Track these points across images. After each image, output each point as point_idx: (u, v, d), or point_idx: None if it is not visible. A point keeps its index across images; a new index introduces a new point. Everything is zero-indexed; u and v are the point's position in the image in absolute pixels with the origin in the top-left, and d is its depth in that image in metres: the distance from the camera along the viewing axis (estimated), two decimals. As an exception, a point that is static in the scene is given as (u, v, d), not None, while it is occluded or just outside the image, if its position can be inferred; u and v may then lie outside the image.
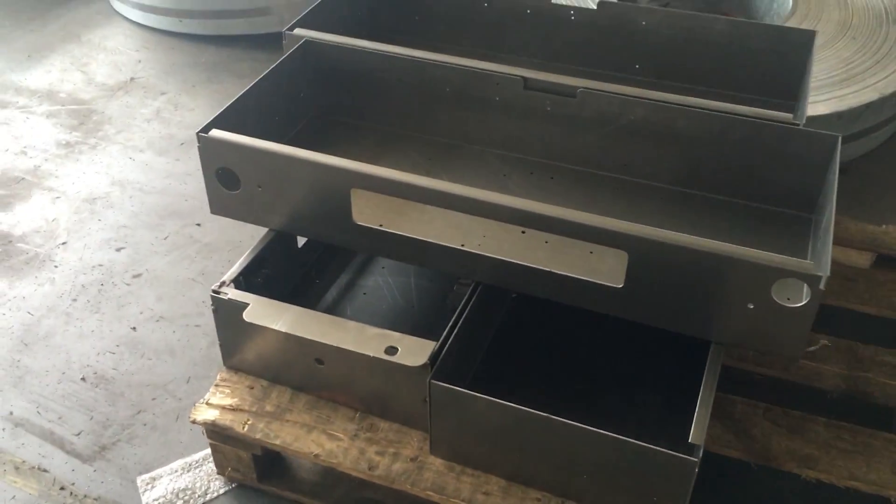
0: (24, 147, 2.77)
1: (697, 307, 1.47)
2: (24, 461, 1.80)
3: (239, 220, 1.77)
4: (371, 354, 1.51)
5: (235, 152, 1.66)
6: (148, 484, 1.75)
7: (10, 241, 2.39)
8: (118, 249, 2.34)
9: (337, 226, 1.67)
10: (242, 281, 1.70)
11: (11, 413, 1.90)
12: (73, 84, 3.11)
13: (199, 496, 1.73)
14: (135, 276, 2.25)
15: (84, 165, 2.68)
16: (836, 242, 2.06)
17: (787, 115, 1.74)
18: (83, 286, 2.23)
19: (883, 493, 1.54)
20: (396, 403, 1.61)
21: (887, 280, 1.97)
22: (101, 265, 2.29)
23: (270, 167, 1.65)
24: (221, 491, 1.74)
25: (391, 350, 1.52)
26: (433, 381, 1.48)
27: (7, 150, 2.76)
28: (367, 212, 1.73)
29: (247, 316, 1.60)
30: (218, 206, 1.78)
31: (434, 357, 1.51)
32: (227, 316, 1.66)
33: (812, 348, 1.81)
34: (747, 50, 2.08)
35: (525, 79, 1.88)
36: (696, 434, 1.38)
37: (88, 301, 2.18)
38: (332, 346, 1.54)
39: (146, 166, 2.66)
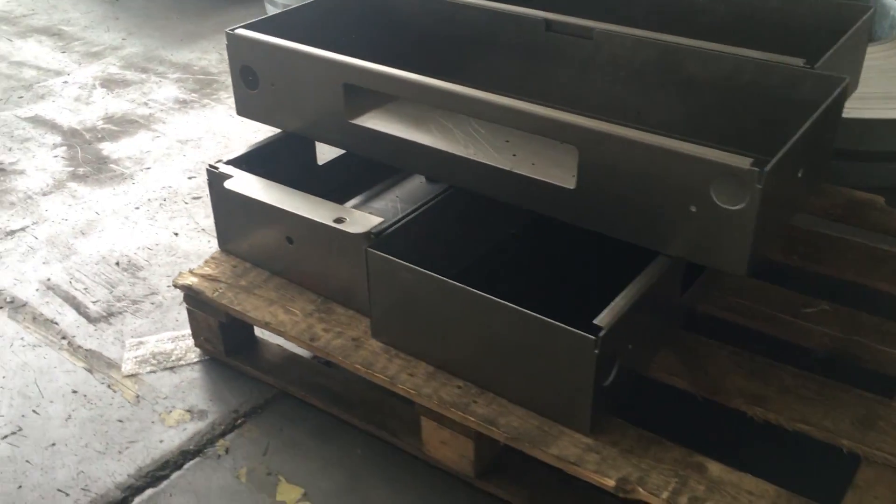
0: (148, 101, 3.11)
1: (644, 211, 1.43)
2: (42, 314, 1.99)
3: (258, 121, 1.92)
4: (319, 221, 1.58)
5: (254, 49, 1.81)
6: (134, 346, 1.88)
7: (107, 162, 2.68)
8: (190, 178, 2.56)
9: (333, 125, 1.77)
10: (243, 166, 1.83)
11: (49, 279, 2.11)
12: (207, 61, 3.47)
13: (172, 360, 1.83)
14: (194, 198, 2.45)
15: (189, 118, 2.97)
16: (871, 227, 1.91)
17: (798, 60, 1.67)
18: (149, 199, 2.46)
19: (834, 441, 1.38)
20: (349, 285, 1.65)
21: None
22: (170, 186, 2.52)
23: (280, 63, 1.78)
24: (195, 360, 1.83)
25: (339, 220, 1.58)
26: (369, 248, 1.52)
27: (133, 101, 3.11)
28: (359, 112, 1.81)
29: (227, 184, 1.72)
30: (242, 107, 1.93)
31: (379, 231, 1.55)
32: (217, 190, 1.79)
33: (809, 310, 1.67)
34: (801, 25, 2.01)
35: (547, 20, 1.93)
36: (602, 317, 1.33)
37: (148, 210, 2.40)
38: (289, 212, 1.62)
39: (241, 123, 2.91)
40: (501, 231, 1.88)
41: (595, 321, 1.32)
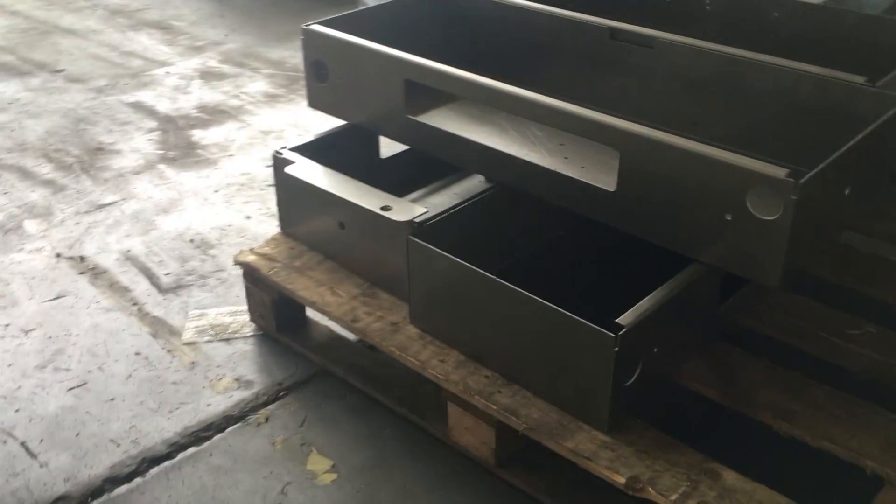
0: (240, 93, 3.28)
1: (680, 217, 1.44)
2: (118, 282, 2.13)
3: (326, 112, 2.01)
4: (367, 207, 1.65)
5: (325, 44, 1.91)
6: (196, 316, 2.00)
7: (194, 148, 2.84)
8: (267, 166, 2.68)
9: (393, 119, 1.85)
10: (307, 154, 1.92)
11: (129, 251, 2.26)
12: (298, 59, 3.60)
13: (229, 332, 1.94)
14: (269, 185, 2.57)
15: (276, 111, 3.11)
16: (934, 253, 1.86)
17: (859, 77, 1.65)
18: (227, 184, 2.59)
19: (859, 462, 1.36)
20: (393, 273, 1.71)
21: None
22: (249, 173, 2.65)
23: (348, 58, 1.87)
24: (249, 334, 1.94)
25: (386, 207, 1.65)
26: (410, 236, 1.58)
27: (226, 93, 3.28)
28: (418, 108, 1.87)
29: (288, 169, 1.81)
30: (313, 99, 2.03)
31: (422, 221, 1.61)
32: (280, 175, 1.88)
33: (853, 332, 1.64)
34: (875, 43, 1.98)
35: (612, 29, 1.95)
36: (625, 317, 1.35)
37: (226, 194, 2.54)
38: (341, 198, 1.70)
39: (321, 117, 3.02)
40: (551, 231, 1.91)
41: (617, 320, 1.35)
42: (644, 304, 1.39)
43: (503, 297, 1.46)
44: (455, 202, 2.08)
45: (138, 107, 3.17)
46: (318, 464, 1.59)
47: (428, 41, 2.23)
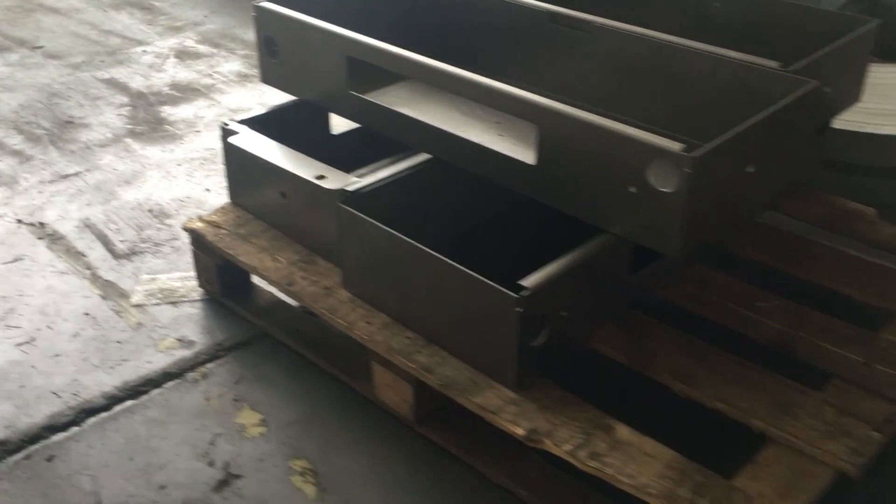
0: (213, 73, 3.35)
1: (592, 190, 1.52)
2: (75, 247, 2.21)
3: (277, 88, 2.09)
4: (303, 176, 1.73)
5: (275, 20, 1.99)
6: (147, 281, 2.08)
7: (162, 123, 2.92)
8: (232, 142, 2.76)
9: (336, 94, 1.92)
10: (256, 127, 1.99)
11: (88, 218, 2.34)
12: (275, 41, 3.69)
13: (176, 296, 2.02)
14: (232, 161, 2.65)
15: (246, 91, 3.19)
16: (853, 236, 1.94)
17: (774, 63, 1.73)
18: (191, 159, 2.67)
19: (747, 421, 1.44)
20: (330, 240, 1.79)
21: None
22: (213, 149, 2.73)
23: (296, 34, 1.95)
24: (196, 298, 2.02)
25: (320, 177, 1.73)
26: (340, 204, 1.66)
27: (199, 72, 3.35)
28: (359, 84, 1.95)
29: (232, 139, 1.89)
30: (265, 75, 2.11)
31: (355, 190, 1.69)
32: (227, 146, 1.96)
33: (762, 304, 1.72)
34: (809, 34, 2.05)
35: (551, 13, 2.03)
36: (530, 280, 1.43)
37: (188, 168, 2.61)
38: (279, 167, 1.78)
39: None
40: (494, 205, 1.98)
41: (521, 282, 1.43)
42: (548, 269, 1.47)
43: (421, 262, 1.54)
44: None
45: (112, 83, 3.24)
46: (249, 418, 1.67)
47: (382, 22, 2.31)
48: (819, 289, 1.80)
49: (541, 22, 2.04)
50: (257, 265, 1.83)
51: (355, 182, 1.71)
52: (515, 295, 1.40)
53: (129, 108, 3.03)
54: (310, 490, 1.51)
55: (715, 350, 1.60)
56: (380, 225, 1.60)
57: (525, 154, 1.64)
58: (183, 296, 2.02)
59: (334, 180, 1.71)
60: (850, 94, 2.02)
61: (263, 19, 2.02)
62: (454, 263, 1.48)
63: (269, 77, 2.10)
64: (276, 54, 2.03)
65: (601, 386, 1.58)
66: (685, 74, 1.83)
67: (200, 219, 1.98)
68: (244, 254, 1.86)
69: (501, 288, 1.42)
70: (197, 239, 1.96)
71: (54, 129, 2.86)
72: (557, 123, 1.52)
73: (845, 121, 2.33)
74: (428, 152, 1.83)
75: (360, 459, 1.58)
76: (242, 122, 1.98)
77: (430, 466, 1.57)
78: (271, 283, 1.80)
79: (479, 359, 1.53)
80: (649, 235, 1.48)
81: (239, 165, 1.97)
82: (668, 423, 1.53)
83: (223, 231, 1.94)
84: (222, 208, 2.02)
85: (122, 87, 3.20)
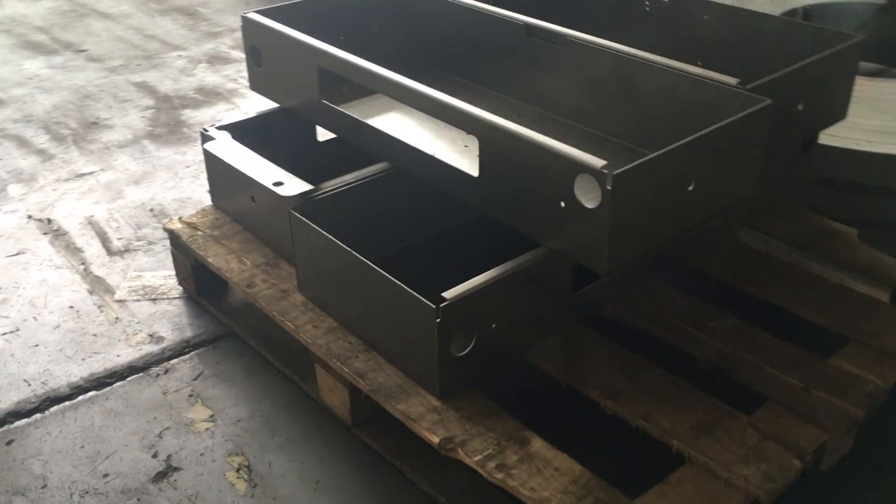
0: (239, 77, 3.46)
1: (527, 203, 1.54)
2: (74, 243, 2.33)
3: (263, 95, 2.16)
4: (261, 182, 1.79)
5: (258, 30, 2.06)
6: (133, 277, 2.18)
7: (181, 126, 3.03)
8: (242, 146, 2.85)
9: (309, 103, 1.98)
10: (237, 133, 2.07)
11: (93, 216, 2.46)
12: (304, 47, 3.78)
13: (157, 293, 2.11)
14: (238, 164, 2.74)
15: (267, 95, 3.28)
16: (828, 257, 1.89)
17: (732, 79, 1.71)
18: (199, 161, 2.77)
19: (666, 440, 1.43)
20: (290, 245, 1.84)
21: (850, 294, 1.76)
22: (222, 152, 2.82)
23: (275, 44, 2.01)
24: (175, 296, 2.10)
25: (278, 183, 1.78)
26: (291, 210, 1.71)
27: (226, 77, 3.47)
28: (330, 93, 1.99)
29: (206, 145, 1.97)
30: (253, 83, 2.18)
31: (307, 197, 1.74)
32: (205, 152, 2.04)
33: (712, 324, 1.70)
34: (795, 49, 2.01)
35: (528, 25, 2.04)
36: (451, 291, 1.46)
37: (195, 170, 2.71)
38: (244, 173, 1.84)
39: (307, 103, 3.18)
40: (451, 217, 2.00)
41: (444, 294, 1.45)
42: (473, 282, 1.49)
43: (356, 270, 1.58)
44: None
45: (142, 86, 3.38)
46: (199, 413, 1.74)
47: (375, 33, 2.36)
48: (778, 310, 1.77)
49: (519, 34, 2.06)
50: (223, 266, 1.89)
51: (310, 189, 1.76)
52: (433, 306, 1.43)
53: (153, 110, 3.16)
54: (241, 486, 1.56)
55: (652, 369, 1.59)
56: (322, 232, 1.64)
57: (472, 166, 1.66)
58: (163, 293, 2.11)
59: (290, 187, 1.77)
60: (833, 111, 1.97)
61: (249, 29, 2.09)
62: (383, 273, 1.52)
63: (256, 84, 2.17)
64: (261, 63, 2.10)
65: (533, 399, 1.59)
66: (648, 88, 1.82)
67: (180, 219, 2.06)
68: (213, 255, 1.93)
69: (422, 298, 1.45)
70: (174, 239, 2.04)
71: (79, 130, 3.00)
72: (494, 136, 1.54)
73: (843, 138, 2.28)
74: (388, 161, 1.86)
75: (296, 459, 1.62)
76: (223, 127, 2.05)
77: (362, 469, 1.60)
78: (233, 284, 1.86)
79: (409, 366, 1.56)
80: (578, 250, 1.48)
81: (216, 170, 2.04)
82: (594, 439, 1.54)
83: (199, 232, 2.01)
84: (203, 210, 2.10)
85: (150, 91, 3.34)
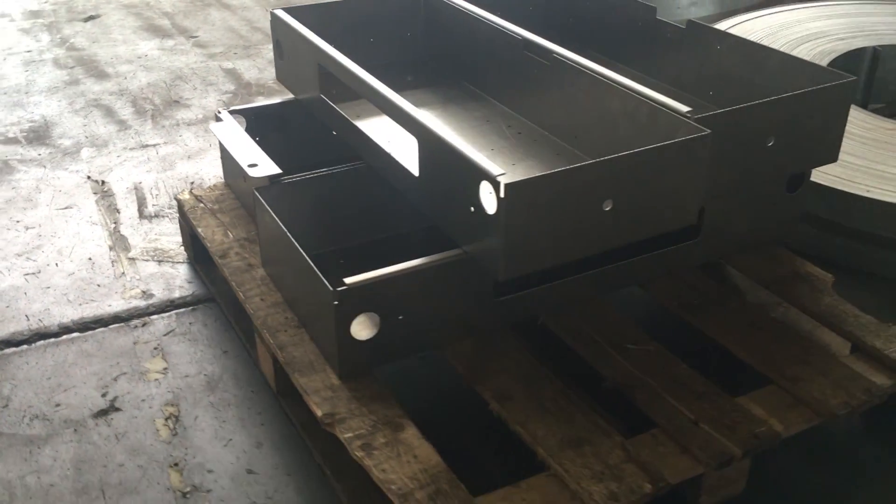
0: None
1: (449, 205, 1.61)
2: (115, 204, 2.59)
3: (284, 85, 2.33)
4: (241, 164, 1.95)
5: (280, 26, 2.23)
6: (152, 240, 2.40)
7: (248, 112, 3.26)
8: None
9: (314, 98, 2.13)
10: (251, 117, 2.24)
11: (140, 183, 2.71)
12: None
13: (165, 256, 2.32)
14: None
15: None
16: (793, 301, 1.85)
17: (684, 107, 1.70)
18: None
19: (534, 447, 1.46)
20: (265, 223, 2.00)
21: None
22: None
23: (290, 40, 2.18)
24: (181, 261, 2.30)
25: (252, 165, 1.94)
26: (255, 189, 1.86)
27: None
28: (328, 90, 2.13)
29: (212, 126, 2.15)
30: (277, 74, 2.36)
31: (275, 180, 1.89)
32: (213, 132, 2.22)
33: (632, 346, 1.71)
34: (792, 85, 1.97)
35: (525, 41, 2.10)
36: (353, 279, 1.55)
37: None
38: (229, 153, 2.01)
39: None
40: (420, 222, 2.07)
41: (346, 279, 1.55)
42: (378, 272, 1.57)
43: (290, 250, 1.71)
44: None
45: (230, 73, 3.66)
46: (156, 365, 1.91)
47: (407, 38, 2.48)
48: (710, 343, 1.75)
49: (518, 49, 2.12)
50: (208, 237, 2.07)
51: (278, 172, 1.90)
52: (332, 289, 1.53)
53: (230, 95, 3.42)
54: (164, 433, 1.72)
55: (552, 380, 1.62)
56: (270, 212, 1.78)
57: (413, 164, 1.75)
58: (170, 257, 2.31)
59: (261, 169, 1.92)
60: (818, 151, 1.91)
61: (275, 25, 2.26)
62: (303, 253, 1.63)
63: (279, 76, 2.34)
64: (283, 56, 2.26)
65: (435, 392, 1.65)
66: (614, 110, 1.84)
67: (191, 192, 2.26)
68: (204, 226, 2.11)
69: (325, 281, 1.55)
70: (180, 208, 2.24)
71: (161, 107, 3.30)
72: (426, 138, 1.62)
73: (856, 183, 2.20)
74: (363, 158, 1.98)
75: (220, 418, 1.77)
76: (236, 111, 2.23)
77: (275, 435, 1.72)
78: (210, 253, 2.03)
79: (322, 346, 1.67)
80: (482, 255, 1.54)
81: (223, 150, 2.22)
82: (482, 437, 1.59)
83: (201, 205, 2.20)
84: (214, 186, 2.29)
85: (236, 77, 3.61)
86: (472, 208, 1.52)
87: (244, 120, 2.24)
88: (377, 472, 1.42)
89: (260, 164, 1.94)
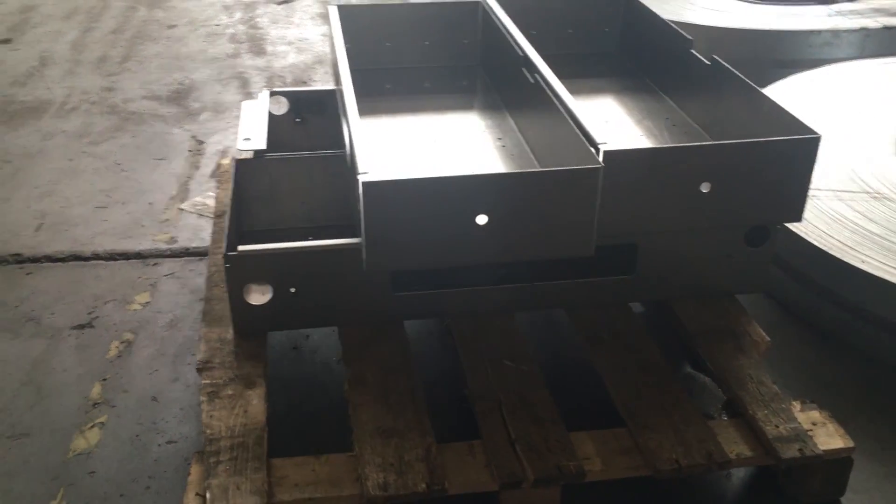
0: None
1: (355, 199, 1.75)
2: (196, 163, 2.95)
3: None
4: (239, 136, 2.19)
5: (330, 24, 2.45)
6: (204, 195, 2.73)
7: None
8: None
9: (338, 91, 2.33)
10: (291, 98, 2.48)
11: (228, 149, 3.07)
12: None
13: (208, 212, 2.63)
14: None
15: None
16: (709, 357, 1.77)
17: (601, 138, 1.70)
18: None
19: (355, 429, 1.57)
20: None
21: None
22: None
23: (329, 35, 2.39)
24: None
25: (247, 139, 2.17)
26: (235, 159, 2.10)
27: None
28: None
29: (243, 103, 2.41)
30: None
31: (258, 155, 2.11)
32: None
33: (509, 363, 1.74)
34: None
35: (525, 56, 2.16)
36: (245, 248, 1.73)
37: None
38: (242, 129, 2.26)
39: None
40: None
41: (239, 247, 1.74)
42: (270, 245, 1.74)
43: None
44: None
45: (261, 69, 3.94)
46: (142, 298, 2.22)
47: (464, 45, 2.61)
48: (595, 377, 1.73)
49: (519, 63, 2.18)
50: (220, 197, 2.35)
51: (262, 149, 2.12)
52: (225, 253, 1.72)
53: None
54: (113, 353, 2.01)
55: (411, 375, 1.70)
56: (233, 181, 2.01)
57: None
58: (212, 213, 2.63)
59: (253, 143, 2.15)
60: (777, 207, 1.79)
61: (329, 20, 2.49)
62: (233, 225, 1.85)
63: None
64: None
65: (318, 363, 1.80)
66: (560, 136, 1.86)
67: (233, 158, 2.55)
68: (224, 189, 2.39)
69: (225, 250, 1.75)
70: (220, 173, 2.54)
71: (290, 84, 3.65)
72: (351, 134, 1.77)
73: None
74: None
75: (162, 351, 2.03)
76: (276, 93, 2.49)
77: (192, 375, 1.95)
78: (214, 213, 2.30)
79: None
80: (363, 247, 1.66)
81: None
82: (327, 411, 1.72)
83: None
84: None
85: (266, 71, 3.88)
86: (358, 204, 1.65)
87: (286, 101, 2.48)
88: (206, 416, 1.60)
89: (253, 139, 2.17)
